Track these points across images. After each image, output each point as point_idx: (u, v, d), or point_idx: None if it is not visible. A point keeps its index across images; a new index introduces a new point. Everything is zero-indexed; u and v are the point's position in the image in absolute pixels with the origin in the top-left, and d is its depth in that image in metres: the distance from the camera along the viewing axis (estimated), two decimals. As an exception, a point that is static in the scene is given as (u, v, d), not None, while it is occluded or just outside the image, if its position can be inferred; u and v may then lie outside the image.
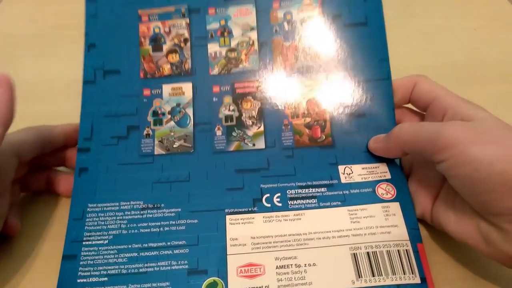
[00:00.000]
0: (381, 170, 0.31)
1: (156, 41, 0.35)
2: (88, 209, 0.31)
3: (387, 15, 0.34)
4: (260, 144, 0.32)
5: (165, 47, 0.35)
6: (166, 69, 0.35)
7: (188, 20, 0.36)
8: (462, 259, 0.30)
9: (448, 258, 0.30)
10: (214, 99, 0.34)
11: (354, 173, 0.31)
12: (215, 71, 0.34)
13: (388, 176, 0.31)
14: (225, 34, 0.35)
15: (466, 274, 0.30)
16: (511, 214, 0.24)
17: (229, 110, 0.33)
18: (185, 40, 0.35)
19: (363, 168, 0.31)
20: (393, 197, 0.30)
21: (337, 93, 0.33)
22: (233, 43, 0.35)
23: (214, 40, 0.35)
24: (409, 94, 0.32)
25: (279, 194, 0.31)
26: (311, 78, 0.34)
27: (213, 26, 0.35)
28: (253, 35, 0.35)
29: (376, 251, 0.29)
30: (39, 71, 0.44)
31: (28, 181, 0.34)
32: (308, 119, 0.33)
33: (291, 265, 0.29)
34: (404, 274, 0.28)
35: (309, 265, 0.28)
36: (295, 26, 0.35)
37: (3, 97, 0.26)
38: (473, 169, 0.24)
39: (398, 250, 0.29)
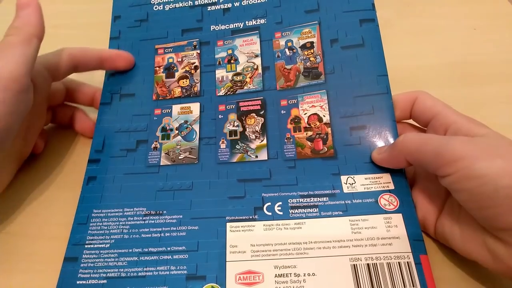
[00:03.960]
0: (385, 180, 0.31)
1: (169, 69, 0.38)
2: (92, 214, 0.31)
3: (387, 14, 0.35)
4: (263, 156, 0.33)
5: (177, 74, 0.38)
6: (177, 92, 0.37)
7: (199, 51, 0.38)
8: (473, 272, 0.29)
9: (458, 271, 0.29)
10: (219, 116, 0.35)
11: (357, 183, 0.31)
12: (221, 92, 0.36)
13: (392, 186, 0.31)
14: (232, 61, 0.38)
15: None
16: None
17: (233, 125, 0.35)
18: (195, 67, 0.38)
19: (366, 178, 0.31)
20: (396, 208, 0.30)
21: (337, 107, 0.34)
22: (239, 68, 0.37)
23: (222, 66, 0.38)
24: (409, 109, 0.32)
25: (280, 203, 0.31)
26: (312, 95, 0.35)
27: (221, 55, 0.38)
28: (257, 61, 0.37)
29: (376, 263, 0.28)
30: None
31: (58, 113, 0.38)
32: (310, 133, 0.34)
33: (290, 274, 0.28)
34: (404, 287, 0.27)
35: (308, 274, 0.28)
36: (296, 51, 0.37)
37: (34, 13, 0.31)
38: (478, 184, 0.24)
39: (399, 263, 0.28)
